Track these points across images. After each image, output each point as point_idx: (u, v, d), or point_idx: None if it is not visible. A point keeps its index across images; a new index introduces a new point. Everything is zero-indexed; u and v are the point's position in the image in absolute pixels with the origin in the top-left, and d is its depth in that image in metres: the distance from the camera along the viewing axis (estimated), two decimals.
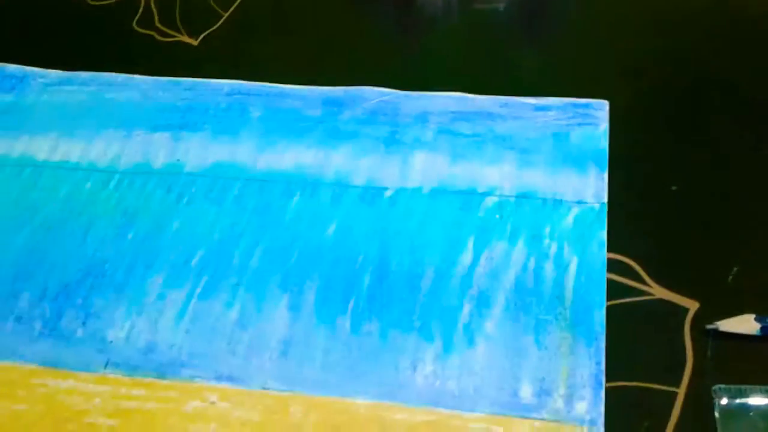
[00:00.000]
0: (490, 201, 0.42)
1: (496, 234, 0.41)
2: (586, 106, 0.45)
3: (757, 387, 0.34)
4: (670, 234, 0.40)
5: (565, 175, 0.43)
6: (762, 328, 0.35)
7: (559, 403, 0.35)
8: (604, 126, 0.44)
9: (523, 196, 0.42)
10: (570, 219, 0.41)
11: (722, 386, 0.34)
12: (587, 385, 0.36)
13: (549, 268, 0.39)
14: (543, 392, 0.36)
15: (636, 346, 0.37)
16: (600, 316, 0.37)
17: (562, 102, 0.46)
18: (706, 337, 0.36)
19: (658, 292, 0.38)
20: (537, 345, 0.37)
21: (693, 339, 0.37)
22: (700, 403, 0.35)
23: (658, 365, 0.36)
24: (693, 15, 0.50)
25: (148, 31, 0.54)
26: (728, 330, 0.36)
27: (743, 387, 0.34)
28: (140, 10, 0.55)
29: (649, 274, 0.38)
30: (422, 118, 0.46)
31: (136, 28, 0.54)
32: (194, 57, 0.51)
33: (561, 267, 0.39)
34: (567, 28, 0.50)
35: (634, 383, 0.36)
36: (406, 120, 0.46)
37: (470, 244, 0.41)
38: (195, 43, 0.53)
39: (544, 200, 0.42)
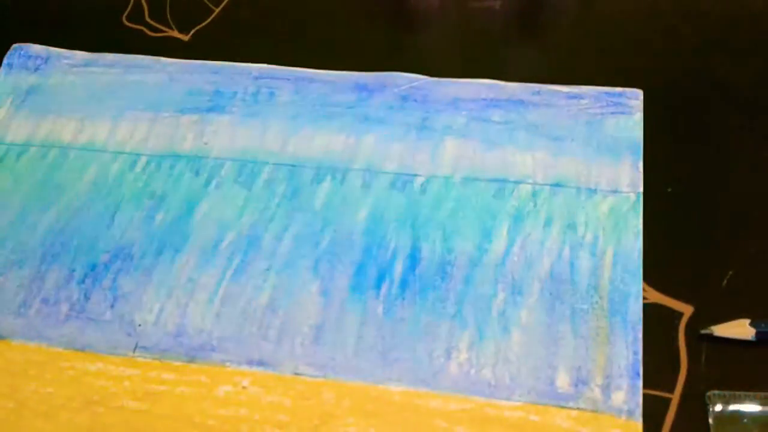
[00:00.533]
0: (524, 189, 0.42)
1: (530, 222, 0.40)
2: (620, 95, 0.45)
3: (752, 393, 0.34)
4: (665, 237, 0.39)
5: (598, 164, 0.42)
6: (757, 333, 0.35)
7: (596, 393, 0.35)
8: (638, 115, 0.44)
9: (557, 185, 0.42)
10: (605, 208, 0.40)
11: (716, 392, 0.34)
12: (624, 374, 0.35)
13: (584, 257, 0.39)
14: (580, 381, 0.35)
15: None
16: (637, 306, 0.37)
17: (595, 90, 0.45)
18: (701, 342, 0.36)
19: (653, 296, 0.38)
20: (573, 334, 0.37)
21: (687, 343, 0.36)
22: (694, 408, 0.34)
23: (652, 370, 0.35)
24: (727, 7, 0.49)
25: (137, 26, 0.53)
26: (723, 335, 0.35)
27: (737, 393, 0.34)
28: (130, 5, 0.54)
29: (644, 278, 0.38)
30: (453, 104, 0.46)
31: (126, 22, 0.54)
32: (185, 52, 0.51)
33: (596, 256, 0.39)
34: (595, 18, 0.50)
35: None
36: (437, 106, 0.46)
37: (504, 232, 0.40)
38: (186, 38, 0.52)
39: (578, 189, 0.41)
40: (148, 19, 0.54)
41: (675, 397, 0.35)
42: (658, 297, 0.38)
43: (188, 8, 0.53)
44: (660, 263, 0.38)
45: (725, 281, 0.38)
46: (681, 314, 0.37)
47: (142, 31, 0.53)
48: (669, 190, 0.41)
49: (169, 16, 0.53)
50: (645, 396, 0.35)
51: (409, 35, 0.51)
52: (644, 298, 0.37)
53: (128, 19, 0.54)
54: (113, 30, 0.53)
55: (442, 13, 0.51)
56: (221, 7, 0.53)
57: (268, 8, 0.53)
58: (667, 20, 0.49)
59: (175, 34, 0.52)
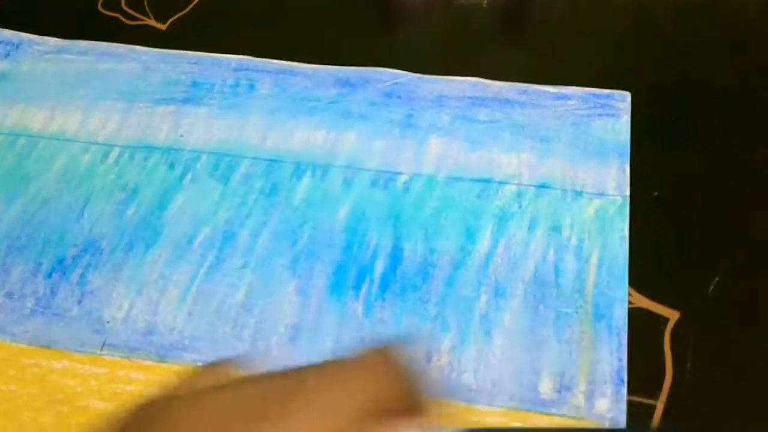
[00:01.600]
0: (509, 190, 0.41)
1: (514, 224, 0.39)
2: (607, 96, 0.44)
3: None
4: (651, 240, 0.39)
5: (585, 166, 0.41)
6: None
7: (580, 400, 0.34)
8: (626, 117, 0.43)
9: (543, 186, 0.41)
10: (591, 211, 0.40)
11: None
12: (608, 381, 0.34)
13: (569, 260, 0.38)
14: (563, 387, 0.34)
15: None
16: (622, 311, 0.36)
17: (583, 92, 0.44)
18: (687, 348, 0.36)
19: (638, 300, 0.37)
20: (557, 339, 0.36)
21: (673, 349, 0.36)
22: (679, 415, 0.34)
23: (637, 375, 0.35)
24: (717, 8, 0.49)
25: (113, 14, 0.52)
26: None
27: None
28: None
29: (630, 283, 0.37)
30: (438, 102, 0.45)
31: (102, 10, 0.52)
32: (162, 42, 0.49)
33: (581, 260, 0.38)
34: (583, 18, 0.49)
35: None
36: (421, 104, 0.45)
37: (488, 234, 0.39)
38: (163, 27, 0.50)
39: (564, 191, 0.40)
40: (124, 7, 0.52)
41: (660, 404, 0.34)
42: (643, 302, 0.37)
43: None
44: (646, 268, 0.38)
45: (711, 287, 0.37)
46: (667, 319, 0.36)
47: (118, 18, 0.51)
48: (655, 194, 0.40)
49: (146, 4, 0.52)
50: (630, 403, 0.34)
51: (394, 31, 0.50)
52: (630, 302, 0.37)
53: (104, 6, 0.52)
54: (88, 17, 0.51)
55: (428, 10, 0.50)
56: None
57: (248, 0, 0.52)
58: (656, 22, 0.48)
59: (152, 22, 0.51)
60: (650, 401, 0.34)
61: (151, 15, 0.51)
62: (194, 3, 0.51)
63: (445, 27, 0.49)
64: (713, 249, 0.38)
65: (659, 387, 0.35)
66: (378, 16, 0.51)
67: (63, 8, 0.53)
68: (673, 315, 0.37)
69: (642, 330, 0.36)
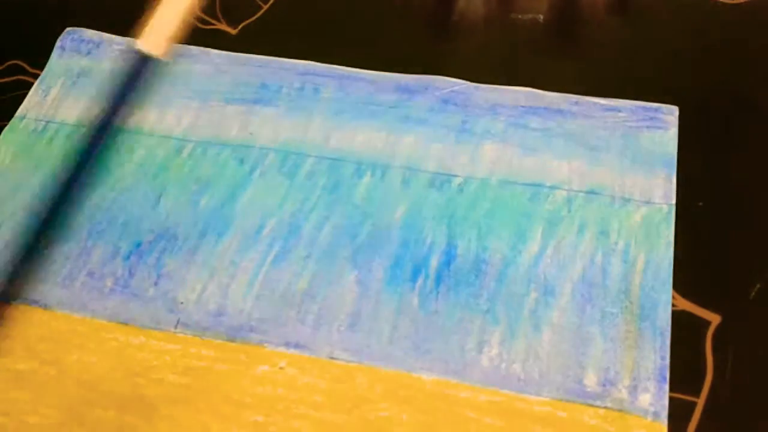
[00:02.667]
0: (559, 195, 0.43)
1: (563, 227, 0.42)
2: (656, 110, 0.46)
3: None
4: (696, 247, 0.41)
5: (633, 175, 0.43)
6: None
7: (624, 394, 0.36)
8: (673, 130, 0.45)
9: (592, 192, 0.43)
10: (638, 218, 0.42)
11: None
12: (651, 378, 0.36)
13: (616, 263, 0.40)
14: (607, 382, 0.36)
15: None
16: (666, 313, 0.38)
17: (632, 104, 0.46)
18: (727, 351, 0.37)
19: (682, 303, 0.39)
20: (602, 336, 0.38)
21: (714, 351, 0.37)
22: (718, 414, 0.36)
23: (679, 375, 0.37)
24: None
25: None
26: None
27: None
28: None
29: (673, 286, 0.39)
30: (492, 110, 0.47)
31: None
32: (232, 46, 0.52)
33: (628, 263, 0.40)
34: (634, 34, 0.51)
35: None
36: (476, 111, 0.47)
37: (538, 235, 0.41)
38: (234, 32, 0.53)
39: (612, 198, 0.42)
40: (197, 11, 0.55)
41: (700, 403, 0.36)
42: (686, 305, 0.39)
43: (238, 3, 0.55)
44: (690, 272, 0.39)
45: (753, 293, 0.39)
46: (709, 323, 0.38)
47: (192, 23, 0.55)
48: (700, 203, 0.42)
49: (218, 10, 0.55)
50: (671, 399, 0.36)
51: (452, 42, 0.53)
52: (673, 305, 0.38)
53: None
54: None
55: (486, 23, 0.53)
56: (269, 4, 0.55)
57: (314, 8, 0.55)
58: (705, 38, 0.50)
59: (224, 27, 0.54)
60: (691, 398, 0.36)
61: (222, 20, 0.54)
62: (263, 10, 0.55)
63: (502, 39, 0.52)
64: (755, 257, 0.40)
65: (700, 386, 0.36)
66: (438, 27, 0.53)
67: (140, 11, 0.56)
68: (714, 318, 0.38)
69: (684, 332, 0.38)
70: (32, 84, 0.52)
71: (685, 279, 0.39)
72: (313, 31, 0.53)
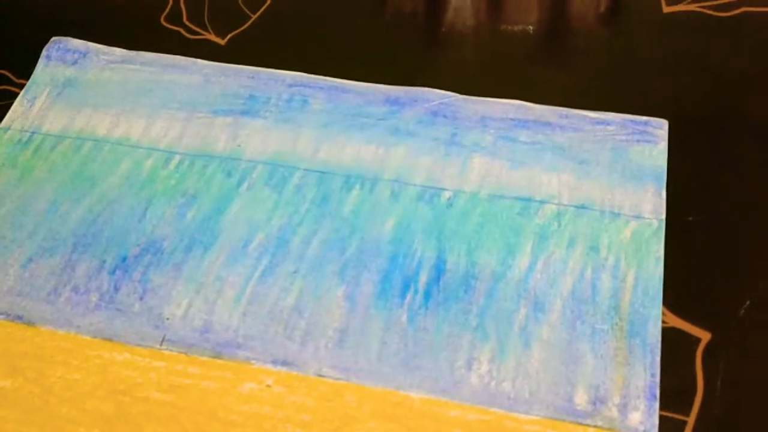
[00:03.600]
0: (549, 209, 0.43)
1: (553, 241, 0.41)
2: (645, 123, 0.46)
3: None
4: (686, 264, 0.41)
5: (622, 189, 0.43)
6: None
7: (614, 412, 0.36)
8: (663, 144, 0.45)
9: (582, 207, 0.43)
10: (627, 233, 0.41)
11: None
12: (642, 395, 0.36)
13: (606, 279, 0.40)
14: (597, 400, 0.36)
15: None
16: (656, 330, 0.38)
17: (621, 118, 0.46)
18: (718, 368, 0.37)
19: (672, 320, 0.39)
20: (593, 353, 0.38)
21: (704, 368, 0.37)
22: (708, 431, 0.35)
23: (669, 392, 0.36)
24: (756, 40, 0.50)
25: (175, 27, 0.54)
26: None
27: None
28: (168, 6, 0.56)
29: (663, 303, 0.39)
30: (482, 122, 0.47)
31: (164, 23, 0.55)
32: (220, 56, 0.52)
33: (617, 279, 0.40)
34: (623, 47, 0.51)
35: None
36: (465, 123, 0.47)
37: (528, 250, 0.41)
38: (222, 42, 0.53)
39: (602, 212, 0.42)
40: (186, 21, 0.55)
41: (690, 421, 0.36)
42: (677, 322, 0.38)
43: (226, 13, 0.55)
44: (680, 289, 0.39)
45: (742, 310, 0.39)
46: (699, 340, 0.38)
47: (179, 32, 0.54)
48: (690, 218, 0.42)
49: (206, 20, 0.55)
50: (661, 418, 0.35)
51: (441, 53, 0.53)
52: (663, 322, 0.38)
53: (166, 20, 0.55)
54: (151, 30, 0.54)
55: (476, 34, 0.53)
56: (258, 14, 0.55)
57: (303, 19, 0.54)
58: (694, 51, 0.50)
59: (212, 37, 0.54)
60: (681, 417, 0.36)
61: (211, 30, 0.54)
62: (252, 20, 0.54)
63: (491, 50, 0.52)
64: (745, 273, 0.40)
65: (690, 404, 0.36)
66: (427, 38, 0.53)
67: (127, 20, 0.56)
68: (705, 336, 0.38)
69: (675, 349, 0.38)
70: (18, 94, 0.51)
71: (675, 296, 0.39)
72: (302, 41, 0.53)
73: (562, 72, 0.50)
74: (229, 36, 0.53)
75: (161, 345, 0.40)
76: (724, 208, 0.43)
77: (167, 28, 0.55)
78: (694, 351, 0.38)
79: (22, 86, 0.52)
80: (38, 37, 0.54)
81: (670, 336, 0.38)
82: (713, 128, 0.46)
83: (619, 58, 0.50)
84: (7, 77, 0.53)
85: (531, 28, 0.52)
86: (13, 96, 0.51)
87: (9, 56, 0.54)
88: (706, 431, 0.35)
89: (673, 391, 0.36)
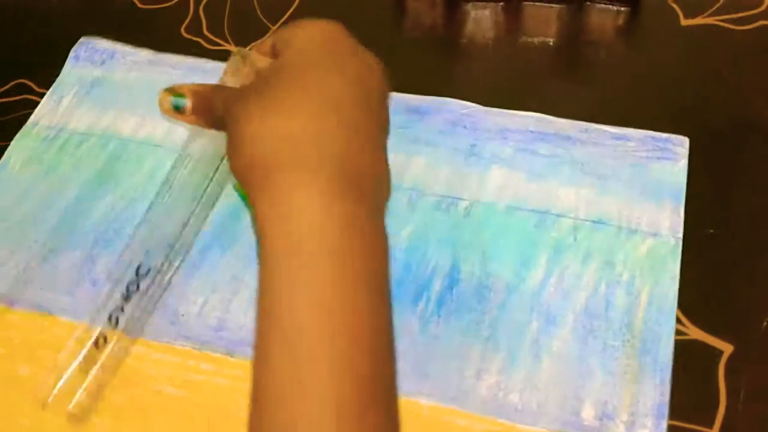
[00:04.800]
0: (565, 223, 0.43)
1: (569, 255, 0.41)
2: (666, 140, 0.46)
3: None
4: (708, 276, 0.40)
5: (641, 206, 0.43)
6: None
7: (621, 429, 0.36)
8: (683, 162, 0.45)
9: (599, 222, 0.43)
10: (644, 249, 0.41)
11: None
12: (650, 414, 0.36)
13: (620, 295, 0.40)
14: (605, 416, 0.36)
15: (671, 384, 0.37)
16: (668, 348, 0.38)
17: (642, 134, 0.46)
18: (741, 380, 0.37)
19: (694, 332, 0.38)
20: (602, 369, 0.37)
21: (727, 381, 0.37)
22: None
23: (691, 405, 0.36)
24: None
25: (195, 38, 0.55)
26: None
27: None
28: (189, 17, 0.56)
29: (685, 314, 0.39)
30: (501, 134, 0.47)
31: (184, 34, 0.56)
32: None
33: (632, 295, 0.40)
34: (645, 62, 0.51)
35: (669, 421, 0.36)
36: (485, 135, 0.47)
37: (542, 262, 0.41)
38: None
39: (619, 228, 0.42)
40: (205, 32, 0.56)
41: None
42: (699, 334, 0.38)
43: (246, 24, 0.55)
44: (702, 301, 0.39)
45: (765, 322, 0.38)
46: (721, 352, 0.38)
47: (199, 42, 0.55)
48: (711, 231, 0.42)
49: (226, 31, 0.55)
50: (684, 430, 0.35)
51: (462, 64, 0.53)
52: (685, 334, 0.38)
53: (186, 30, 0.56)
54: (171, 40, 0.55)
55: (495, 46, 0.53)
56: (278, 25, 0.55)
57: None
58: (714, 64, 0.50)
59: (232, 48, 0.54)
60: (705, 429, 0.36)
61: (231, 41, 0.54)
62: (272, 31, 0.55)
63: (510, 62, 0.52)
64: None
65: (713, 417, 0.36)
66: (448, 49, 0.53)
67: (147, 31, 0.56)
68: (727, 348, 0.38)
69: (697, 361, 0.38)
70: (38, 103, 0.52)
71: (697, 308, 0.39)
72: None
73: (580, 85, 0.50)
74: (249, 47, 0.54)
75: (176, 341, 0.40)
76: (745, 220, 0.42)
77: (187, 38, 0.55)
78: (717, 363, 0.37)
79: (42, 95, 0.52)
80: (59, 47, 0.55)
81: (692, 348, 0.38)
82: (733, 142, 0.46)
83: (638, 71, 0.50)
84: (29, 86, 0.54)
85: (551, 40, 0.52)
86: (34, 105, 0.52)
87: (30, 66, 0.55)
88: None
89: (696, 404, 0.36)
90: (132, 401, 0.38)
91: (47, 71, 0.54)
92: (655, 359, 0.37)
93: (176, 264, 0.41)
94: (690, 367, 0.37)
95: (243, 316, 0.41)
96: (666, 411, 0.36)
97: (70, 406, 0.36)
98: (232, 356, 0.39)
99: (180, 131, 0.49)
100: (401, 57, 0.52)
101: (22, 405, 0.39)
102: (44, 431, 0.38)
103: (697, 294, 0.39)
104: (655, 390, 0.37)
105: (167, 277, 0.40)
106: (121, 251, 0.40)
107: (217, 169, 0.39)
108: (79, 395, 0.37)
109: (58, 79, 0.53)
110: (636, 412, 0.36)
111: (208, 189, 0.40)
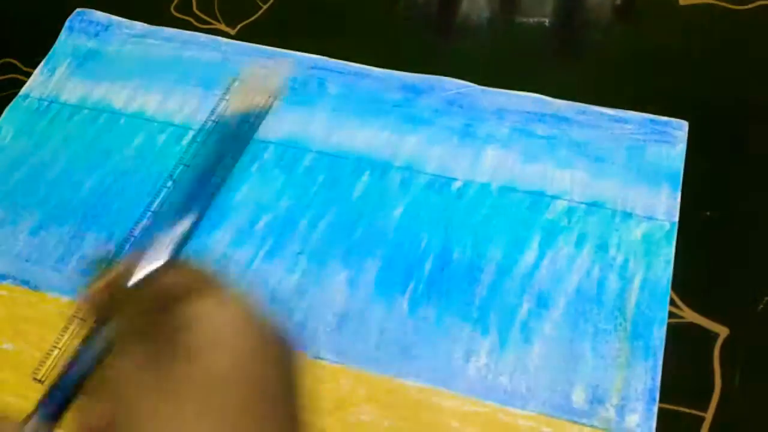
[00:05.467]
0: (560, 205, 0.42)
1: (562, 238, 0.41)
2: (665, 124, 0.45)
3: None
4: (704, 259, 0.40)
5: (636, 189, 0.42)
6: None
7: (611, 413, 0.35)
8: (681, 146, 0.44)
9: (593, 204, 0.42)
10: (638, 233, 0.41)
11: None
12: (641, 398, 0.36)
13: (613, 279, 0.39)
14: (595, 400, 0.36)
15: (665, 367, 0.37)
16: (660, 333, 0.37)
17: (641, 117, 0.45)
18: (735, 364, 0.36)
19: (689, 315, 0.38)
20: (593, 353, 0.37)
21: (722, 364, 0.37)
22: (726, 428, 0.35)
23: (686, 388, 0.36)
24: None
25: (185, 17, 0.54)
26: None
27: None
28: None
29: (680, 297, 0.38)
30: (498, 114, 0.46)
31: (174, 12, 0.54)
32: None
33: (625, 279, 0.39)
34: (643, 43, 0.50)
35: (663, 405, 0.36)
36: (481, 114, 0.46)
37: (535, 245, 0.41)
38: (232, 32, 0.53)
39: (614, 211, 0.42)
40: (196, 11, 0.54)
41: (708, 417, 0.35)
42: (694, 317, 0.38)
43: (236, 3, 0.54)
44: (698, 284, 0.39)
45: (761, 306, 0.38)
46: (717, 335, 0.37)
47: (189, 21, 0.54)
48: (707, 213, 0.41)
49: (216, 10, 0.54)
50: (679, 413, 0.35)
51: (457, 44, 0.52)
52: (681, 317, 0.38)
53: (176, 9, 0.55)
54: (162, 19, 0.54)
55: (491, 26, 0.52)
56: (269, 4, 0.54)
57: (315, 8, 0.54)
58: (713, 45, 0.49)
59: (222, 27, 0.53)
60: (699, 413, 0.35)
61: (221, 20, 0.53)
62: (262, 11, 0.54)
63: (507, 43, 0.51)
64: (764, 269, 0.39)
65: (708, 400, 0.36)
66: (442, 28, 0.52)
67: (138, 10, 0.55)
68: (723, 331, 0.38)
69: (692, 344, 0.37)
70: (24, 83, 0.51)
71: (693, 291, 0.38)
72: (314, 31, 0.52)
73: (577, 66, 0.49)
74: (239, 26, 0.53)
75: None
76: (742, 204, 0.42)
77: (177, 17, 0.54)
78: (712, 346, 0.37)
79: (29, 74, 0.51)
80: (46, 27, 0.54)
81: (687, 331, 0.37)
82: (732, 123, 0.45)
83: (635, 51, 0.49)
84: (15, 65, 0.53)
85: (547, 20, 0.51)
86: (21, 84, 0.51)
87: (17, 45, 0.54)
88: (725, 427, 0.35)
89: (691, 387, 0.36)
90: None
91: (34, 50, 0.53)
92: (646, 344, 0.37)
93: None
94: (685, 351, 0.37)
95: None
96: (657, 395, 0.36)
97: None
98: None
99: (172, 104, 0.48)
100: (396, 36, 0.51)
101: (7, 381, 0.38)
102: (29, 408, 0.38)
103: (693, 277, 0.39)
104: (646, 374, 0.36)
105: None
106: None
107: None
108: None
109: (51, 50, 0.52)
110: (627, 396, 0.36)
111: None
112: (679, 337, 0.37)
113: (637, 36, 0.50)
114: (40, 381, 0.37)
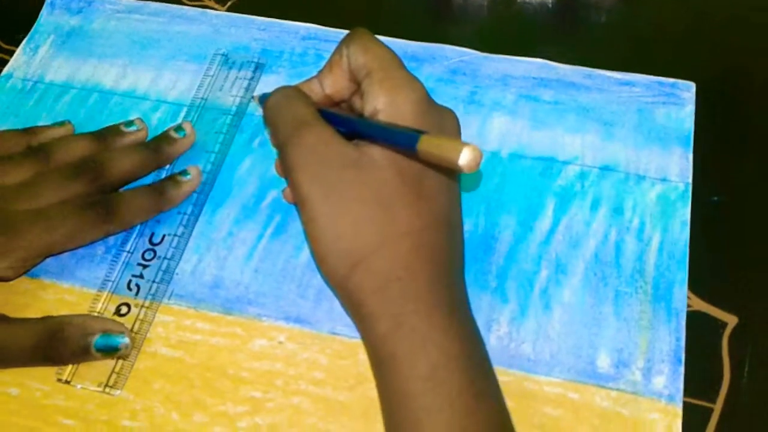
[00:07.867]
0: (572, 170, 0.41)
1: (576, 203, 0.40)
2: (672, 85, 0.44)
3: None
4: (712, 246, 0.39)
5: (648, 152, 0.42)
6: None
7: (637, 376, 0.35)
8: (690, 107, 0.43)
9: (606, 168, 0.41)
10: (653, 195, 0.40)
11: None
12: (666, 360, 0.35)
13: (630, 241, 0.39)
14: (621, 363, 0.35)
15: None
16: (681, 294, 0.37)
17: (648, 79, 0.45)
18: (745, 353, 0.36)
19: (697, 304, 0.37)
20: (616, 316, 0.36)
21: (731, 353, 0.36)
22: (736, 419, 0.34)
23: (695, 379, 0.35)
24: None
25: None
26: None
27: None
28: None
29: (688, 286, 0.37)
30: (503, 81, 0.45)
31: None
32: None
33: (642, 242, 0.39)
34: (650, 10, 0.49)
35: None
36: (486, 82, 0.45)
37: (549, 211, 0.40)
38: (222, 9, 0.51)
39: (627, 174, 0.41)
40: None
41: (717, 408, 0.34)
42: (702, 305, 0.37)
43: None
44: (705, 272, 0.38)
45: None
46: (725, 324, 0.37)
47: None
48: (715, 198, 0.40)
49: None
50: (687, 405, 0.34)
51: (457, 26, 0.50)
52: (689, 306, 0.37)
53: None
54: None
55: (493, 4, 0.50)
56: None
57: None
58: (724, 14, 0.48)
59: (211, 3, 0.51)
60: (708, 404, 0.34)
61: None
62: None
63: (509, 20, 0.49)
64: None
65: (717, 390, 0.35)
66: (441, 9, 0.51)
67: None
68: (731, 320, 0.37)
69: (700, 333, 0.36)
70: (7, 61, 0.48)
71: (700, 279, 0.37)
72: (306, 6, 0.50)
73: (583, 32, 0.48)
74: (228, 3, 0.51)
75: (169, 299, 0.38)
76: (752, 187, 0.41)
77: None
78: (721, 335, 0.36)
79: (11, 53, 0.49)
80: (26, 3, 0.51)
81: (695, 320, 0.36)
82: (741, 93, 0.45)
83: (641, 17, 0.48)
84: None
85: (551, 1, 0.50)
86: (3, 64, 0.49)
87: None
88: (733, 419, 0.34)
89: (699, 378, 0.35)
90: (125, 363, 0.37)
91: (15, 27, 0.50)
92: (668, 305, 0.37)
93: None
94: (693, 340, 0.36)
95: (239, 274, 0.39)
96: (682, 356, 0.35)
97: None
98: (229, 314, 0.38)
99: (164, 81, 0.46)
100: (391, 5, 0.50)
101: (6, 373, 0.37)
102: (34, 401, 0.36)
103: (701, 264, 0.38)
104: (670, 336, 0.36)
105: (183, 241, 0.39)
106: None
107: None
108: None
109: (33, 28, 0.50)
110: (652, 358, 0.35)
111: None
112: (687, 327, 0.36)
113: (641, 13, 0.49)
114: (66, 382, 0.35)
